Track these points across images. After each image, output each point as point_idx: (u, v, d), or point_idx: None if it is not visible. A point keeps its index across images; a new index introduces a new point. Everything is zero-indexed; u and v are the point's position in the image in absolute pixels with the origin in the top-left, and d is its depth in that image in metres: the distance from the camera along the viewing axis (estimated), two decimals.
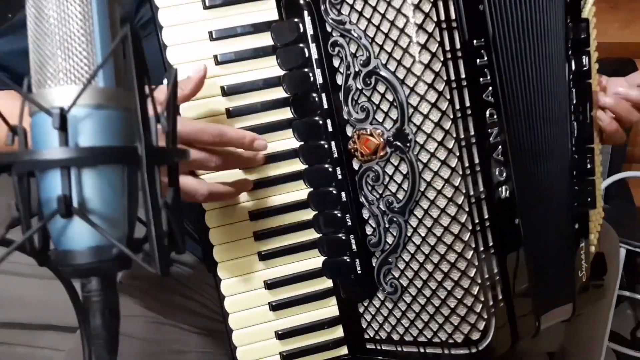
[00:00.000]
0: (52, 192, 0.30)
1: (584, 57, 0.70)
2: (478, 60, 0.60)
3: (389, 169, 0.61)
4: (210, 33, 0.64)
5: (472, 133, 0.60)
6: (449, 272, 0.60)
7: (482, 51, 0.60)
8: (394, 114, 0.59)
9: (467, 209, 0.59)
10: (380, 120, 0.60)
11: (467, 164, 0.59)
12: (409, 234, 0.61)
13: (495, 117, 0.62)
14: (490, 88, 0.61)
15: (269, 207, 0.66)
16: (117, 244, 0.30)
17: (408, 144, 0.59)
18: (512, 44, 0.64)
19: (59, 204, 0.29)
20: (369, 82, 0.60)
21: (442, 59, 0.57)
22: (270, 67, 0.65)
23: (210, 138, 0.56)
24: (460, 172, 0.59)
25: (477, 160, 0.60)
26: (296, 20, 0.63)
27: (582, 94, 0.70)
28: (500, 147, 0.62)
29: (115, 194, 0.31)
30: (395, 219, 0.62)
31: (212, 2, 0.64)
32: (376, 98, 0.60)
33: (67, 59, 0.31)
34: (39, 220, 0.31)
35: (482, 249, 0.60)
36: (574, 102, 0.71)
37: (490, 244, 0.61)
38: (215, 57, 0.64)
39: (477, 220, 0.60)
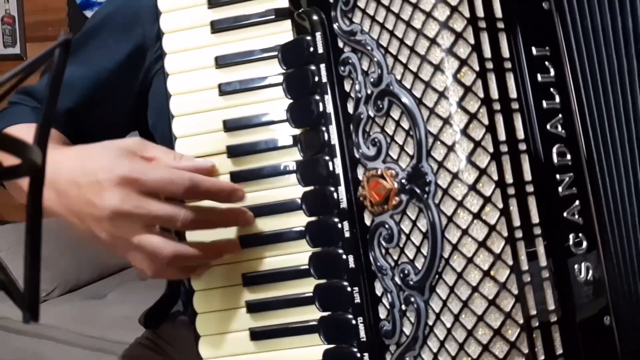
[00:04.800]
0: None
1: None
2: (540, 76, 0.42)
3: (406, 225, 0.43)
4: (216, 59, 0.55)
5: (528, 178, 0.40)
6: None
7: (547, 63, 0.42)
8: (411, 148, 0.42)
9: (515, 292, 0.38)
10: (395, 157, 0.44)
11: (517, 223, 0.39)
12: (430, 323, 0.42)
13: (568, 157, 0.41)
14: (560, 116, 0.41)
15: (263, 271, 0.52)
16: None
17: (426, 188, 0.41)
18: (602, 54, 0.44)
19: None
20: (381, 105, 0.44)
21: (476, 68, 0.40)
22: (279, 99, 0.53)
23: (180, 190, 0.46)
24: (505, 234, 0.39)
25: (535, 220, 0.40)
26: (308, 38, 0.51)
27: None
28: (576, 202, 0.41)
29: None
30: (412, 299, 0.43)
31: (219, 25, 0.55)
32: (390, 127, 0.44)
33: None
34: None
35: (542, 358, 0.38)
36: None
37: (559, 352, 0.39)
38: (219, 86, 0.55)
39: (532, 312, 0.39)
